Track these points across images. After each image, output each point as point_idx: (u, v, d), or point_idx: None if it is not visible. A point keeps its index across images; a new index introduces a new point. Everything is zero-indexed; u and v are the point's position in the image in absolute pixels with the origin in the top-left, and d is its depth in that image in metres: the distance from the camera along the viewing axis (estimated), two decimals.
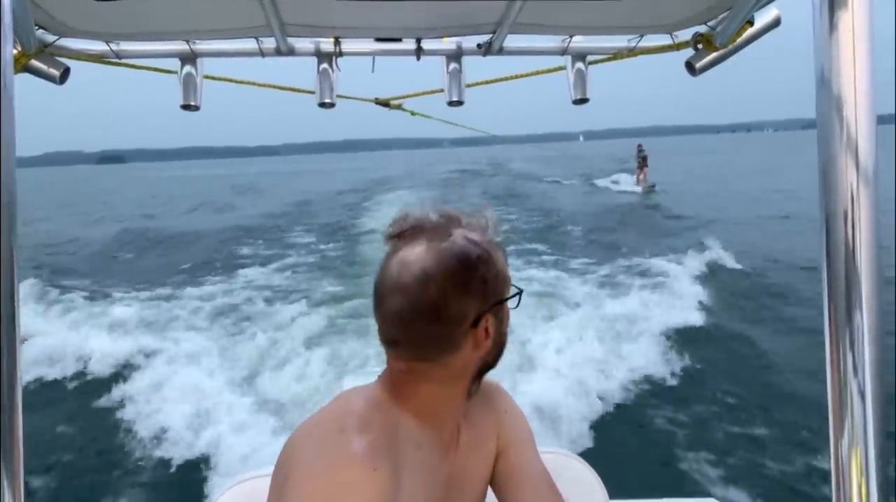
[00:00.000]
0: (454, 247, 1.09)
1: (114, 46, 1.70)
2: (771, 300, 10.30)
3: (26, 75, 1.61)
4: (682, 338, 8.05)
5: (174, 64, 1.75)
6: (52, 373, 7.74)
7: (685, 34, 1.74)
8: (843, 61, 0.80)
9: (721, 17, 1.63)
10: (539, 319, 8.51)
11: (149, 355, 7.85)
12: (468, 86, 1.82)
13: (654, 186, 27.95)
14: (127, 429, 6.31)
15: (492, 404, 1.30)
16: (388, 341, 1.13)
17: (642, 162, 29.12)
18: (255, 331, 8.77)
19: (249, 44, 1.71)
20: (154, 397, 6.78)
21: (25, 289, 10.72)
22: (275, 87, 1.87)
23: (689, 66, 1.76)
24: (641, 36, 1.75)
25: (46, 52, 1.62)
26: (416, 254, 1.08)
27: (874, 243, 0.80)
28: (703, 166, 49.27)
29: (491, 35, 1.71)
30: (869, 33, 0.80)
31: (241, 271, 13.35)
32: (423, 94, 1.87)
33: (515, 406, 1.35)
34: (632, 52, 1.79)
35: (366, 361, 7.23)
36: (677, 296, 9.65)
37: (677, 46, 1.76)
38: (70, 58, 1.69)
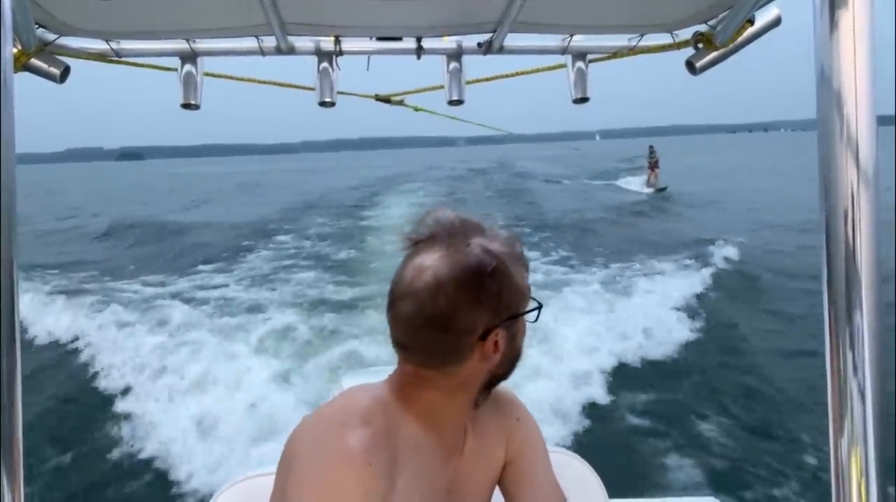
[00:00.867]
0: (470, 257, 1.08)
1: (114, 45, 1.71)
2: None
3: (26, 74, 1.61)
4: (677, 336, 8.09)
5: (174, 62, 1.75)
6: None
7: (685, 33, 1.74)
8: (843, 61, 0.79)
9: (721, 16, 1.63)
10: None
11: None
12: (468, 83, 1.82)
13: (664, 189, 27.60)
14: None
15: (503, 412, 1.30)
16: (397, 344, 1.14)
17: (654, 164, 28.93)
18: None
19: (249, 42, 1.71)
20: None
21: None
22: (275, 83, 1.88)
23: (690, 66, 1.75)
24: (642, 35, 1.75)
25: (46, 50, 1.63)
26: (431, 261, 1.08)
27: (874, 243, 0.80)
28: (714, 165, 49.34)
29: (491, 34, 1.71)
30: (869, 33, 0.80)
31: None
32: (424, 90, 1.87)
33: (528, 415, 1.34)
34: (632, 50, 1.78)
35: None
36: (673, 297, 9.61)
37: (678, 45, 1.76)
38: (70, 56, 1.69)
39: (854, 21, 0.79)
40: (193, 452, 5.70)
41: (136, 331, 8.63)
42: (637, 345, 7.65)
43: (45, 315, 9.71)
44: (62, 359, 8.30)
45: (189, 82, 1.75)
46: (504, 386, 1.30)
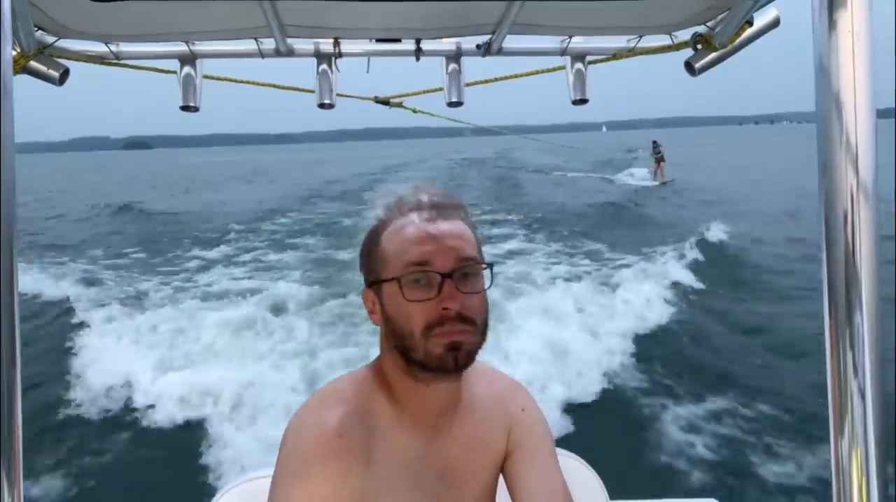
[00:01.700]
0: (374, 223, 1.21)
1: (113, 48, 1.71)
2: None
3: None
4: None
5: (173, 65, 1.75)
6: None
7: (684, 34, 1.73)
8: (842, 61, 0.79)
9: (720, 17, 1.62)
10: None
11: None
12: (467, 84, 1.82)
13: (670, 181, 27.79)
14: None
15: (506, 400, 1.29)
16: None
17: (659, 159, 29.07)
18: None
19: (249, 45, 1.71)
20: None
21: None
22: (275, 86, 1.87)
23: (689, 67, 1.75)
24: (641, 36, 1.75)
25: (45, 53, 1.62)
26: None
27: (874, 243, 0.80)
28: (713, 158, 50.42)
29: (490, 36, 1.71)
30: (869, 33, 0.80)
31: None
32: (423, 92, 1.87)
33: (535, 407, 1.32)
34: (631, 52, 1.78)
35: None
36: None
37: (677, 47, 1.76)
38: (69, 59, 1.69)
39: (853, 21, 0.79)
40: None
41: None
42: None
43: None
44: None
45: (188, 85, 1.75)
46: (510, 375, 1.33)
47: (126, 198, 27.83)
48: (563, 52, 1.80)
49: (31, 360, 7.64)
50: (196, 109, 1.77)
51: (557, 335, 7.72)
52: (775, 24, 1.61)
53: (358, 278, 1.23)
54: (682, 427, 6.03)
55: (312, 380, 6.64)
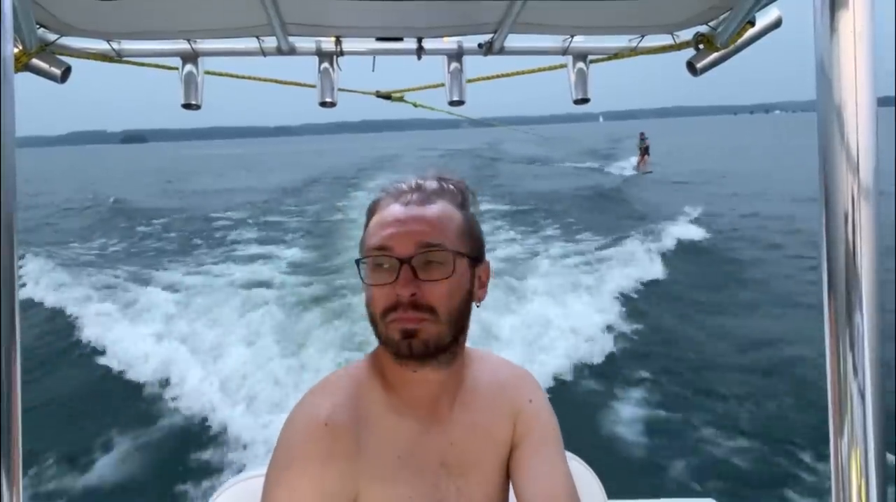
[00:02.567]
0: None
1: (115, 45, 1.70)
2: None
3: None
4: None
5: (175, 62, 1.75)
6: None
7: (686, 34, 1.73)
8: (843, 61, 0.79)
9: (722, 17, 1.62)
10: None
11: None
12: (469, 81, 1.82)
13: (650, 173, 29.04)
14: None
15: (513, 389, 1.27)
16: None
17: (644, 150, 30.15)
18: None
19: (250, 43, 1.71)
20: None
21: None
22: (276, 81, 1.87)
23: (691, 66, 1.75)
24: (643, 36, 1.75)
25: (48, 50, 1.62)
26: None
27: (875, 242, 0.80)
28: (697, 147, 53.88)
29: (492, 35, 1.71)
30: (870, 33, 0.80)
31: None
32: (425, 87, 1.87)
33: (543, 399, 1.30)
34: (633, 51, 1.78)
35: None
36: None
37: (678, 46, 1.75)
38: (71, 56, 1.68)
39: (854, 21, 0.79)
40: None
41: None
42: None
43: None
44: None
45: (190, 82, 1.75)
46: (518, 364, 1.33)
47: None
48: (564, 52, 1.80)
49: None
50: (198, 107, 1.77)
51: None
52: (777, 24, 1.61)
53: None
54: (682, 426, 6.05)
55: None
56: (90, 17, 1.56)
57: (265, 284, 10.69)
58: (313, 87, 1.78)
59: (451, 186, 1.18)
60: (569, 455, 1.76)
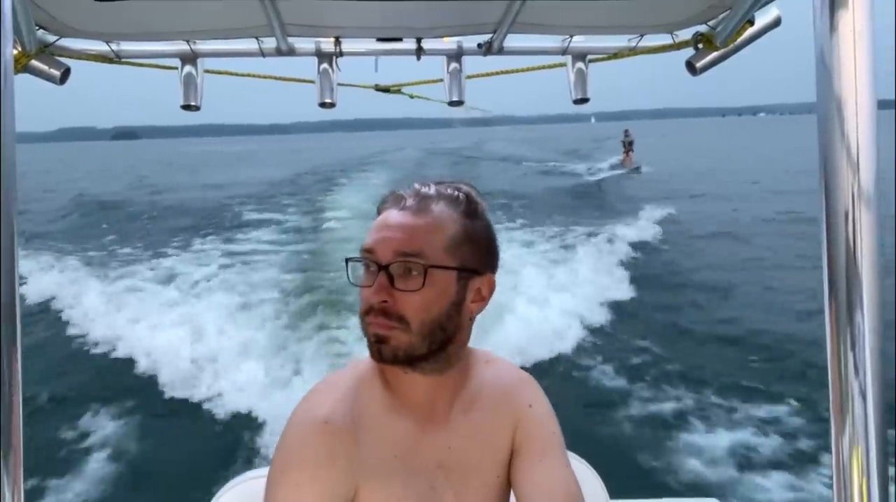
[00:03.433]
0: None
1: (114, 46, 1.70)
2: None
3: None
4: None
5: (174, 64, 1.75)
6: None
7: (686, 34, 1.73)
8: (843, 61, 0.79)
9: (721, 16, 1.62)
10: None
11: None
12: (469, 77, 1.82)
13: (638, 168, 29.57)
14: None
15: (513, 394, 1.26)
16: None
17: (628, 146, 30.90)
18: None
19: (250, 44, 1.70)
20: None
21: None
22: (276, 78, 1.87)
23: (690, 66, 1.75)
24: (642, 35, 1.75)
25: (47, 52, 1.62)
26: None
27: (875, 242, 0.80)
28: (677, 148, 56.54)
29: (491, 35, 1.71)
30: (870, 32, 0.80)
31: None
32: (424, 82, 1.87)
33: (544, 404, 1.28)
34: (632, 51, 1.78)
35: None
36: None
37: (678, 46, 1.75)
38: (70, 58, 1.68)
39: (854, 21, 0.79)
40: None
41: None
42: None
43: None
44: None
45: (189, 83, 1.75)
46: (520, 369, 1.31)
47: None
48: (564, 52, 1.80)
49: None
50: (197, 108, 1.77)
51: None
52: (776, 23, 1.61)
53: None
54: (683, 426, 6.05)
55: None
56: (89, 18, 1.56)
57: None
58: (312, 82, 1.78)
59: (458, 194, 1.16)
60: (570, 454, 1.76)
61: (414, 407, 1.16)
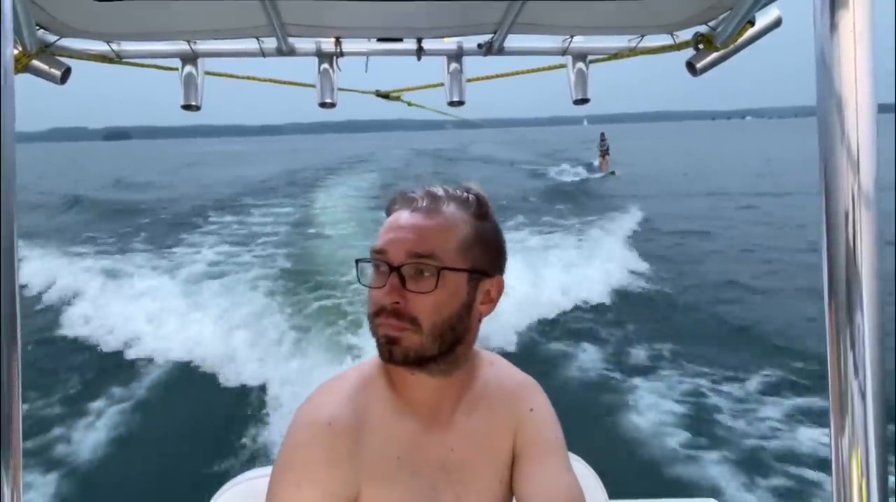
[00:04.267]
0: None
1: (115, 46, 1.70)
2: None
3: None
4: None
5: (175, 64, 1.75)
6: None
7: (686, 34, 1.73)
8: (843, 61, 0.79)
9: (722, 17, 1.62)
10: None
11: None
12: (469, 80, 1.82)
13: (613, 172, 30.22)
14: None
15: (516, 397, 1.26)
16: None
17: (605, 151, 31.74)
18: None
19: (250, 44, 1.70)
20: None
21: None
22: (276, 81, 1.86)
23: (690, 66, 1.75)
24: (642, 36, 1.75)
25: (47, 52, 1.62)
26: None
27: (875, 243, 0.80)
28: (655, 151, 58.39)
29: (492, 35, 1.71)
30: (870, 33, 0.80)
31: None
32: (424, 87, 1.87)
33: (546, 408, 1.28)
34: (632, 51, 1.78)
35: None
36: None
37: (678, 46, 1.75)
38: (71, 58, 1.68)
39: (854, 21, 0.79)
40: None
41: None
42: None
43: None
44: None
45: (190, 83, 1.75)
46: (521, 371, 1.31)
47: None
48: (564, 52, 1.80)
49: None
50: (197, 108, 1.77)
51: None
52: (777, 23, 1.61)
53: None
54: (683, 426, 6.06)
55: None
56: (90, 18, 1.56)
57: None
58: (313, 86, 1.78)
59: (468, 195, 1.16)
60: (569, 454, 1.76)
61: (418, 408, 1.15)
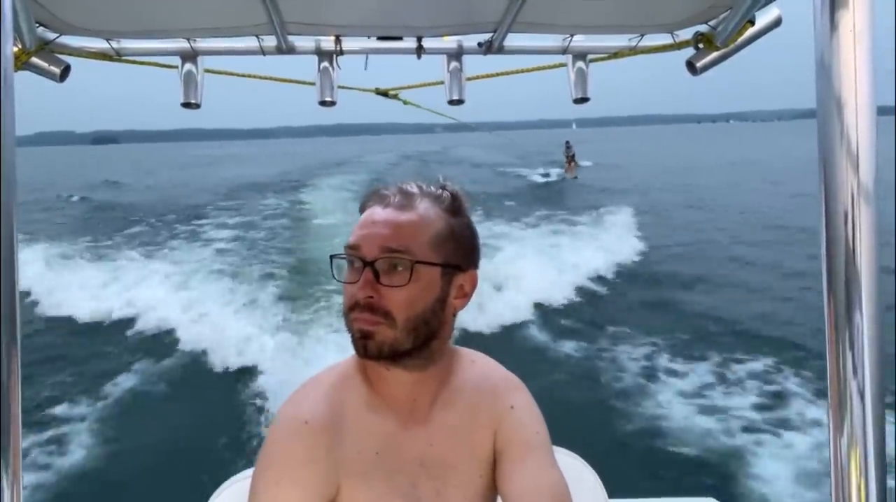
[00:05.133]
0: None
1: (114, 44, 1.70)
2: None
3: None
4: None
5: (174, 62, 1.75)
6: None
7: (686, 33, 1.73)
8: (843, 61, 0.79)
9: (722, 16, 1.62)
10: None
11: None
12: (469, 79, 1.81)
13: (576, 177, 32.80)
14: None
15: (496, 394, 1.25)
16: None
17: (571, 158, 34.70)
18: None
19: (250, 42, 1.70)
20: None
21: None
22: (276, 79, 1.86)
23: (690, 66, 1.75)
24: (642, 35, 1.75)
25: (47, 49, 1.62)
26: None
27: (875, 243, 0.80)
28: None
29: (492, 34, 1.71)
30: (870, 33, 0.80)
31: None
32: (423, 85, 1.87)
33: (528, 404, 1.26)
34: (633, 51, 1.78)
35: None
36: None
37: (678, 46, 1.75)
38: (70, 55, 1.68)
39: (854, 21, 0.79)
40: None
41: None
42: None
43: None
44: None
45: (190, 81, 1.74)
46: (506, 370, 1.30)
47: None
48: (564, 51, 1.80)
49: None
50: (197, 106, 1.77)
51: None
52: (777, 23, 1.62)
53: None
54: (683, 426, 6.09)
55: None
56: (89, 15, 1.56)
57: None
58: (312, 84, 1.78)
59: (441, 192, 1.17)
60: (568, 453, 1.76)
61: (395, 404, 1.16)
